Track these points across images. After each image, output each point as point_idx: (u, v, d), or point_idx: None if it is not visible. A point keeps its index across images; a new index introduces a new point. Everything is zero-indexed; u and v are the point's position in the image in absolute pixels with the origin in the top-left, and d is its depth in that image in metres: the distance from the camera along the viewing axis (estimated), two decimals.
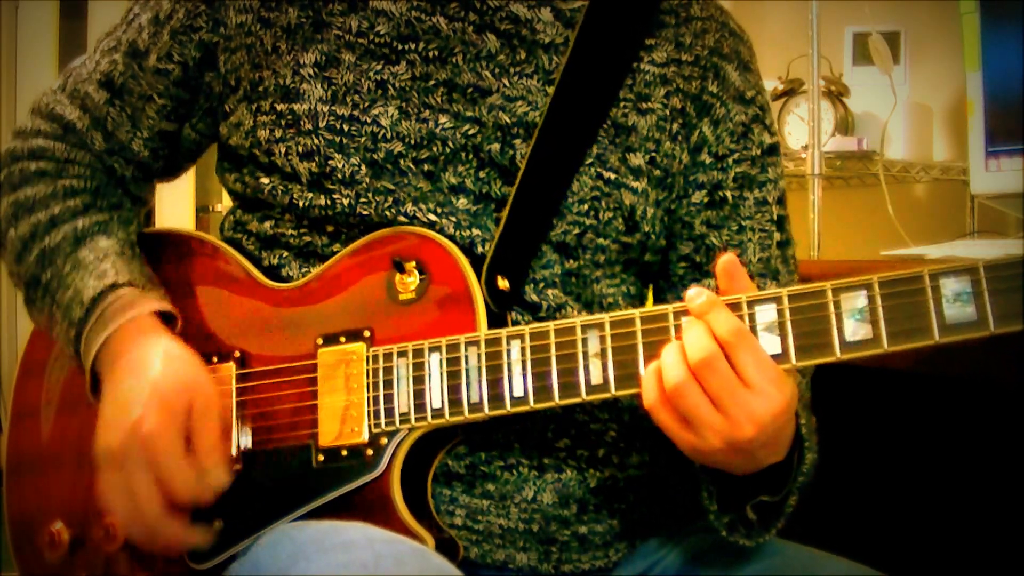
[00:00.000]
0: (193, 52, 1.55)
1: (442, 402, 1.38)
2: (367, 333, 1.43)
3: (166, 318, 1.49)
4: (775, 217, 1.60)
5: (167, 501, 1.38)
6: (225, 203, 1.62)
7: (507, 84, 1.50)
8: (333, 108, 1.49)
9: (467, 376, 1.37)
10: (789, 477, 1.38)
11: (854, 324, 1.25)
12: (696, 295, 1.27)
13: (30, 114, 1.66)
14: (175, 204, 3.54)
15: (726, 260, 1.29)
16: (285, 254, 1.53)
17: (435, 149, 1.48)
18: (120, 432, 1.37)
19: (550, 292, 1.49)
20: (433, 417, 1.38)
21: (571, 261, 1.50)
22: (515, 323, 1.44)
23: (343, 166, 1.47)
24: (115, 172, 1.62)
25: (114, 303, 1.45)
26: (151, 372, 1.40)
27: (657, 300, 1.62)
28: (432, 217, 1.46)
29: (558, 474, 1.48)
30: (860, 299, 1.25)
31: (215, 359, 1.50)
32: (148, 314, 1.46)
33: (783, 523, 1.43)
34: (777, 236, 1.60)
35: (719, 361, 1.24)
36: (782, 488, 1.39)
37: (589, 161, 1.50)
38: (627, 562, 1.54)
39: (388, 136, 1.48)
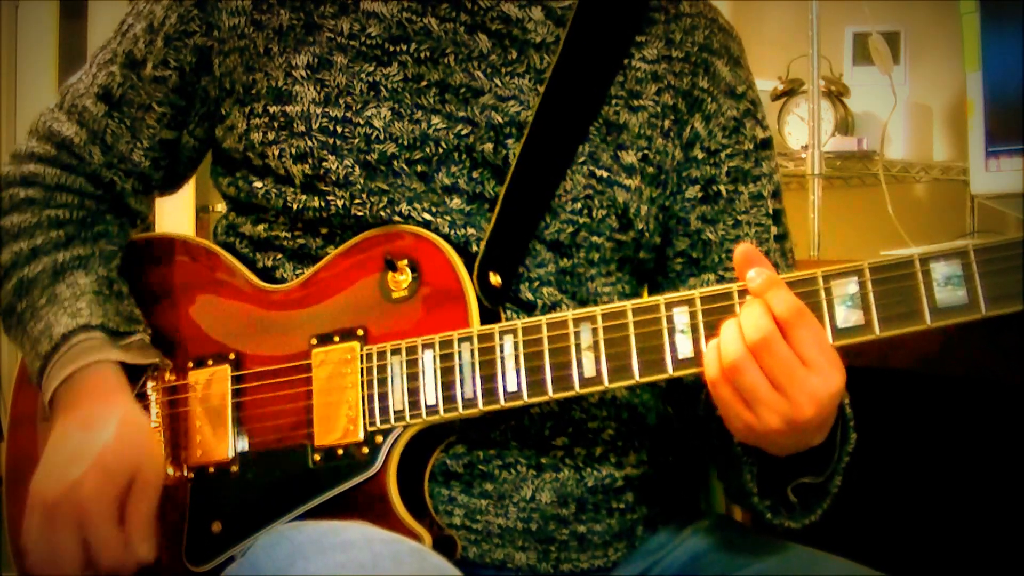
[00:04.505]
0: (188, 57, 1.56)
1: (436, 399, 1.38)
2: (361, 332, 1.43)
3: (134, 370, 1.49)
4: (771, 211, 1.60)
5: (87, 564, 1.38)
6: (225, 203, 1.63)
7: (499, 84, 1.50)
8: (326, 110, 1.49)
9: (461, 372, 1.37)
10: (828, 457, 1.39)
11: (845, 310, 1.25)
12: (756, 275, 1.27)
13: (28, 135, 1.66)
14: (175, 204, 3.53)
15: (743, 250, 1.29)
16: (279, 256, 1.53)
17: (428, 150, 1.48)
18: (58, 486, 1.38)
19: (545, 291, 1.49)
20: (428, 414, 1.38)
21: (565, 259, 1.50)
22: (509, 321, 1.44)
23: (336, 168, 1.47)
24: (114, 186, 1.62)
25: (81, 343, 1.46)
26: (102, 434, 1.40)
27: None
28: (427, 216, 1.47)
29: (556, 473, 1.48)
30: (851, 285, 1.25)
31: (210, 361, 1.50)
32: (112, 363, 1.46)
33: (829, 504, 1.43)
34: (774, 230, 1.60)
35: (776, 342, 1.24)
36: (823, 468, 1.40)
37: (581, 159, 1.50)
38: (626, 562, 1.53)
39: (381, 137, 1.48)
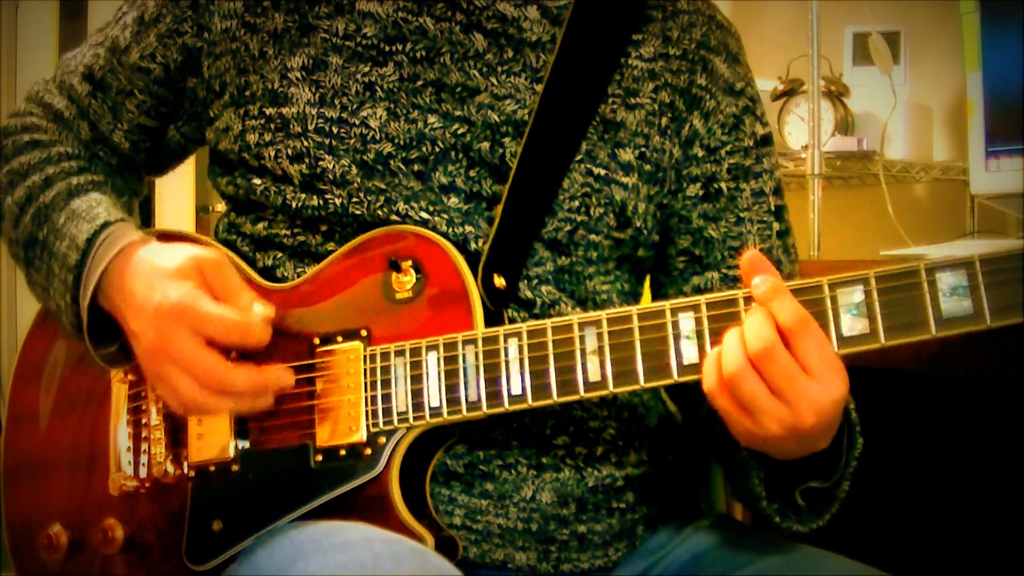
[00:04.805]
0: (175, 55, 1.57)
1: (440, 401, 1.38)
2: (364, 333, 1.43)
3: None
4: (773, 207, 1.60)
5: (223, 355, 1.38)
6: (224, 203, 1.64)
7: (495, 83, 1.50)
8: (322, 111, 1.49)
9: (465, 375, 1.37)
10: (835, 461, 1.39)
11: (851, 319, 1.25)
12: (762, 282, 1.27)
13: (24, 100, 1.69)
14: (175, 204, 3.54)
15: (750, 256, 1.29)
16: (279, 255, 1.53)
17: (425, 149, 1.48)
18: (151, 325, 1.38)
19: (544, 289, 1.49)
20: (431, 416, 1.38)
21: (563, 258, 1.50)
22: (510, 320, 1.45)
23: (334, 167, 1.48)
24: (102, 160, 1.64)
25: (106, 239, 1.46)
26: (152, 266, 1.41)
27: (656, 295, 1.63)
28: (424, 215, 1.47)
29: (556, 473, 1.48)
30: (857, 294, 1.25)
31: None
32: (138, 239, 1.46)
33: (837, 508, 1.43)
34: (776, 226, 1.60)
35: (779, 351, 1.24)
36: (830, 473, 1.40)
37: (579, 158, 1.50)
38: (627, 561, 1.54)
39: (377, 137, 1.48)
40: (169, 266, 1.39)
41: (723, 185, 1.57)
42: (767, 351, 1.24)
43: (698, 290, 1.56)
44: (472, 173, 1.49)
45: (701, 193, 1.57)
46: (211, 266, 1.40)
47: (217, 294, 1.39)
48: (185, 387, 1.37)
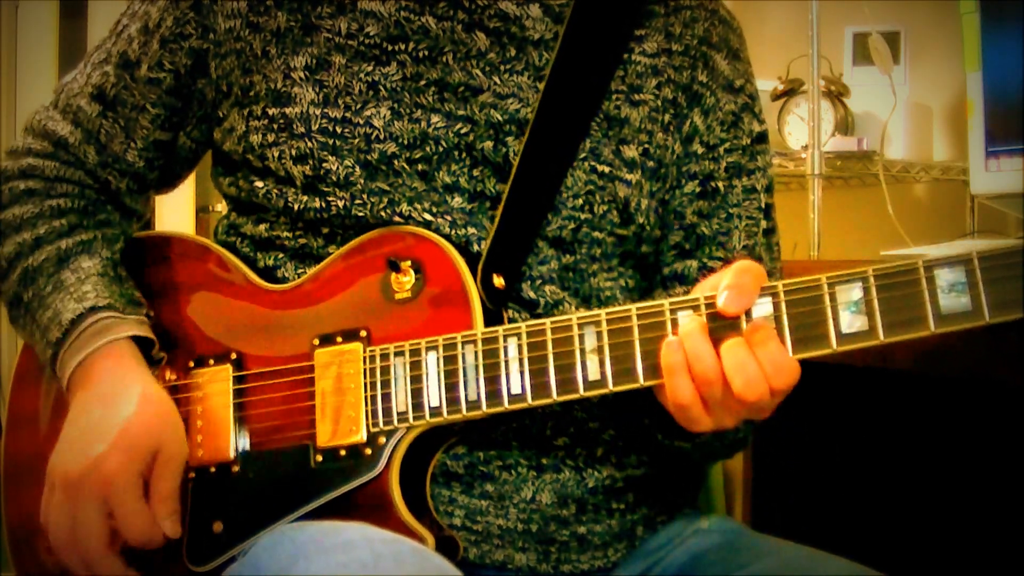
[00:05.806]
0: (184, 60, 1.56)
1: (440, 401, 1.38)
2: (363, 333, 1.43)
3: (144, 344, 1.49)
4: (763, 205, 1.60)
5: (110, 539, 1.40)
6: (225, 203, 1.64)
7: (498, 82, 1.50)
8: (325, 111, 1.49)
9: (464, 374, 1.37)
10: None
11: (850, 316, 1.25)
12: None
13: (23, 132, 1.66)
14: (175, 204, 3.54)
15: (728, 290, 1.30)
16: (280, 256, 1.53)
17: (428, 149, 1.48)
18: (82, 461, 1.39)
19: (547, 288, 1.49)
20: (431, 416, 1.38)
21: (568, 256, 1.50)
22: (512, 321, 1.44)
23: (337, 168, 1.47)
24: (110, 186, 1.62)
25: (91, 326, 1.46)
26: (124, 410, 1.41)
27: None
28: (427, 216, 1.46)
29: (556, 474, 1.48)
30: (855, 291, 1.25)
31: (211, 361, 1.50)
32: (125, 340, 1.47)
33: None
34: (764, 224, 1.60)
35: (750, 362, 1.27)
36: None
37: (583, 155, 1.50)
38: (626, 562, 1.54)
39: (381, 137, 1.48)
40: (135, 426, 1.40)
41: (720, 184, 1.57)
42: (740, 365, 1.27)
43: (676, 275, 1.58)
44: (475, 173, 1.49)
45: (698, 191, 1.57)
46: (166, 459, 1.42)
47: (151, 484, 1.41)
48: (57, 526, 1.41)
